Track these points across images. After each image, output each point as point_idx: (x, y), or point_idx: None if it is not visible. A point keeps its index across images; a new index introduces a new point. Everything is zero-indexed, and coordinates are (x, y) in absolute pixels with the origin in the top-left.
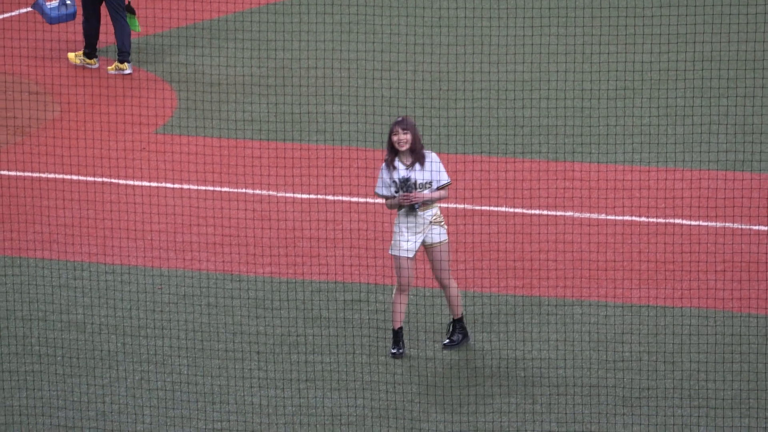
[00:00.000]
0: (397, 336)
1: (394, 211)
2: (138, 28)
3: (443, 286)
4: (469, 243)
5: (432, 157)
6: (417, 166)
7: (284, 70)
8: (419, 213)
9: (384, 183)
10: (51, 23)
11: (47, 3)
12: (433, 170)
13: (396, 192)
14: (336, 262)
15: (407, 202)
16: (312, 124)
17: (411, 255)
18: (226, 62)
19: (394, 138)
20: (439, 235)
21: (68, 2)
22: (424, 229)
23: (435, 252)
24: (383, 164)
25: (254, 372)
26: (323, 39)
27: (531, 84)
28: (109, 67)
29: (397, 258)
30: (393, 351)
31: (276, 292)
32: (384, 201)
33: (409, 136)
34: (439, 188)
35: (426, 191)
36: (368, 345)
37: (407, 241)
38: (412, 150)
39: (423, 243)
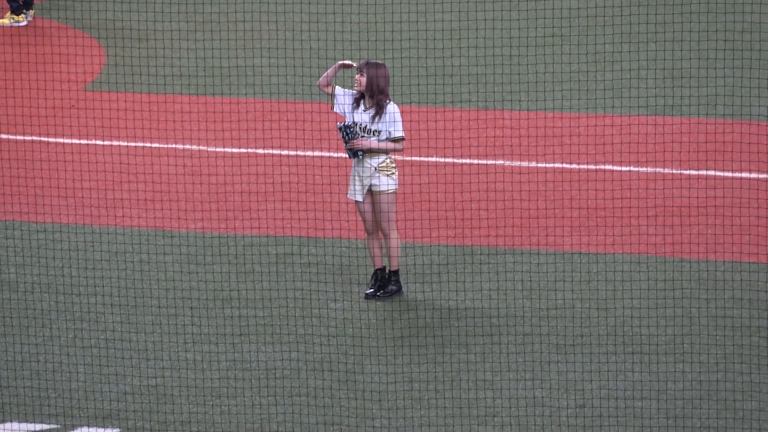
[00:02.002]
0: (375, 276)
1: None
2: None
3: (384, 236)
4: (400, 194)
5: (390, 109)
6: (372, 112)
7: (212, 24)
8: (362, 159)
9: (341, 102)
10: None
11: None
12: (387, 120)
13: (345, 128)
14: (267, 215)
15: (352, 146)
16: (241, 77)
17: (359, 198)
18: (153, 17)
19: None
20: (386, 184)
21: None
22: (371, 175)
23: (378, 200)
24: (354, 95)
25: (188, 327)
26: None
27: (459, 33)
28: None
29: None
30: (366, 291)
31: (208, 247)
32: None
33: (362, 79)
34: (390, 140)
35: (373, 139)
36: (301, 298)
37: (354, 185)
38: (370, 95)
39: (370, 189)
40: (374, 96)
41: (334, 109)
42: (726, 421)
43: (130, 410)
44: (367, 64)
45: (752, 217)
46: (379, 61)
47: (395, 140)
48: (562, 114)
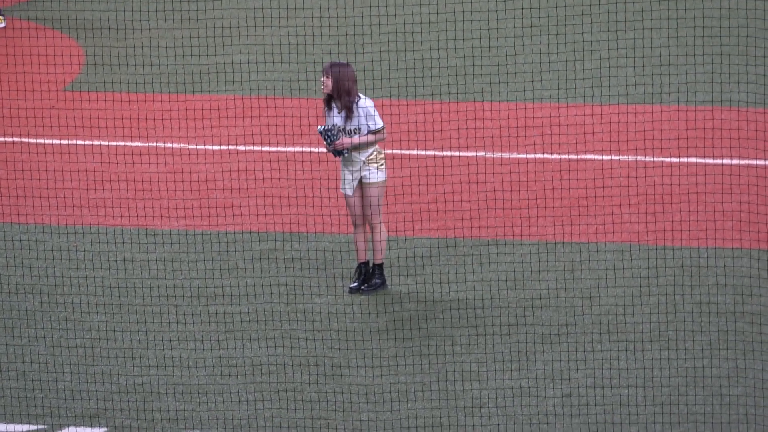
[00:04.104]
0: (359, 270)
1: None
2: None
3: (371, 228)
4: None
5: (363, 103)
6: (345, 112)
7: (190, 22)
8: (349, 155)
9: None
10: None
11: None
12: (361, 116)
13: (326, 131)
14: (250, 212)
15: (336, 148)
16: (220, 74)
17: (349, 192)
18: (131, 16)
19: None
20: (375, 176)
21: None
22: (360, 168)
23: (366, 191)
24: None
25: (173, 325)
26: None
27: (437, 25)
28: None
29: (344, 196)
30: (350, 285)
31: (191, 244)
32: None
33: (328, 81)
34: (371, 132)
35: (355, 137)
36: (285, 294)
37: (344, 179)
38: (338, 96)
39: (360, 182)
40: (341, 98)
41: (331, 146)
42: (713, 407)
43: (117, 409)
44: (332, 65)
45: (734, 203)
46: (343, 62)
47: (375, 132)
48: (542, 104)
